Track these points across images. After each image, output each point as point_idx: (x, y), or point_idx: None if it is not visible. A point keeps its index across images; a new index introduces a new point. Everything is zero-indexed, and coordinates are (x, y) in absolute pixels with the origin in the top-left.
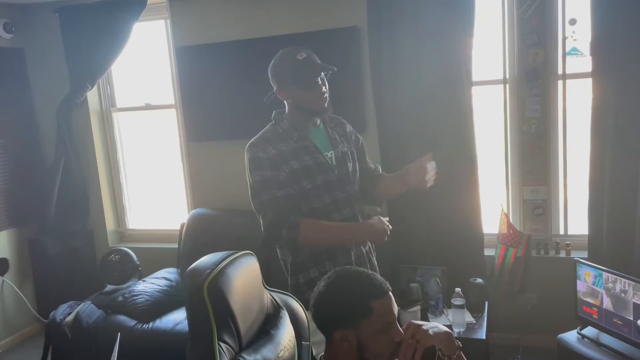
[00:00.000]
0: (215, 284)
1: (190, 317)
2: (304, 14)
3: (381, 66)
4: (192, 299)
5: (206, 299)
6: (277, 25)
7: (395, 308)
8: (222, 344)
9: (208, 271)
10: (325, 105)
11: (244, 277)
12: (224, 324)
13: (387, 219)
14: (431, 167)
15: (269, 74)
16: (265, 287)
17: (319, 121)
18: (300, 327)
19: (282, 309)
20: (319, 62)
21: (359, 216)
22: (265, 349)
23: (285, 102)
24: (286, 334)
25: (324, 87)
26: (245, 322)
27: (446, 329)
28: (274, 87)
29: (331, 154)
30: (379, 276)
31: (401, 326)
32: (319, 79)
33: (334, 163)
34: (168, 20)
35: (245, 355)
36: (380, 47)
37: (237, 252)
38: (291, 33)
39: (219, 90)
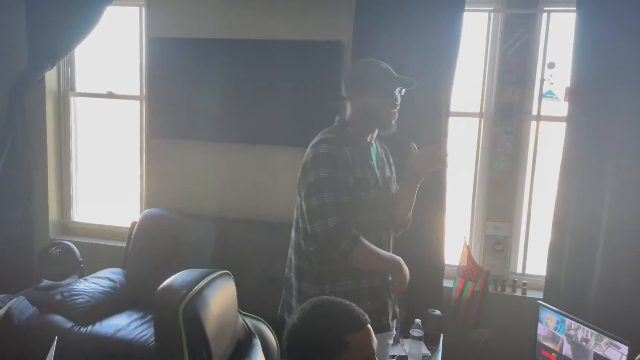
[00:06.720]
0: (191, 307)
1: (159, 341)
2: (288, 22)
3: None
4: (164, 322)
5: (180, 323)
6: (258, 29)
7: (375, 342)
8: None
9: (184, 292)
10: (393, 121)
11: (221, 300)
12: (197, 351)
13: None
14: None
15: (345, 79)
16: (240, 312)
17: (374, 138)
18: (272, 357)
19: (255, 336)
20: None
21: (391, 243)
22: None
23: (350, 109)
24: None
25: (398, 100)
26: (218, 349)
27: None
28: (345, 93)
29: (379, 173)
30: (357, 307)
31: None
32: (397, 91)
33: (381, 183)
34: (143, 9)
35: None
36: None
37: (215, 271)
38: (271, 39)
39: (188, 88)
